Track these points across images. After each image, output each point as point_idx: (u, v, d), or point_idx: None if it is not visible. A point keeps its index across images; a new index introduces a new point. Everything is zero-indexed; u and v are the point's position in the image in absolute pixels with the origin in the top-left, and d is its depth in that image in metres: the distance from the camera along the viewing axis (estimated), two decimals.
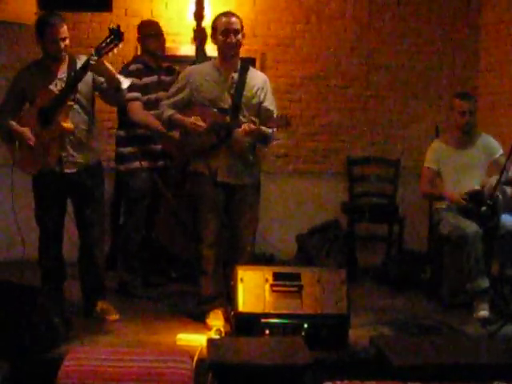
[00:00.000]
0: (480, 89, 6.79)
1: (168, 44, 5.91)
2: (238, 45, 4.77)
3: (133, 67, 5.45)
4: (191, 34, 6.47)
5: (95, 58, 4.45)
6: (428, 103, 6.94)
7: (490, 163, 5.47)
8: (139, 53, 5.79)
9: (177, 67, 5.77)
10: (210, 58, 5.52)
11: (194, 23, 6.06)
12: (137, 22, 5.81)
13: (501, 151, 5.45)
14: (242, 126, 4.66)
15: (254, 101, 4.82)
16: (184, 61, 6.30)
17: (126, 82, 4.75)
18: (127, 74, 5.30)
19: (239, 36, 4.74)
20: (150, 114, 5.37)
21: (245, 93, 4.80)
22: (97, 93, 4.81)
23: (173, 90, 4.94)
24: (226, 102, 4.78)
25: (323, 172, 6.92)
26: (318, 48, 6.86)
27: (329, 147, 6.93)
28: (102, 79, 4.71)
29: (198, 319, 4.90)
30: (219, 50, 4.81)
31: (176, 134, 5.31)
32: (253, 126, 4.66)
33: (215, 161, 4.78)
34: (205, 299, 4.93)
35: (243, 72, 4.84)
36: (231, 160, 4.80)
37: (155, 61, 5.51)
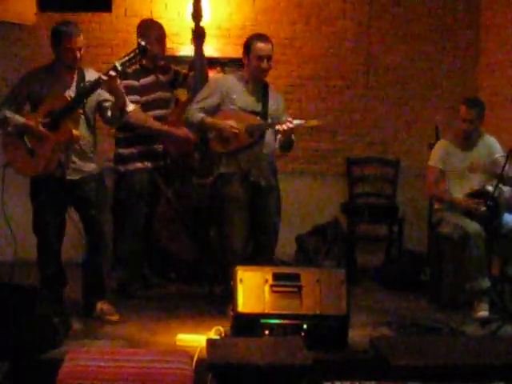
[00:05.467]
0: (480, 89, 6.79)
1: (168, 44, 5.90)
2: (269, 69, 5.03)
3: (130, 69, 5.43)
4: (191, 35, 6.47)
5: (119, 69, 4.54)
6: (428, 104, 6.95)
7: (489, 164, 5.48)
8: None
9: (176, 67, 5.78)
10: (206, 59, 5.65)
11: (192, 23, 6.04)
12: (136, 22, 5.80)
13: (500, 152, 5.45)
14: (282, 125, 4.89)
15: (277, 113, 5.10)
16: (183, 61, 6.30)
17: (131, 106, 4.88)
18: (124, 76, 5.29)
19: (271, 61, 5.00)
20: (149, 115, 5.39)
21: (269, 104, 5.07)
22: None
23: (201, 95, 5.09)
24: (257, 109, 5.03)
25: (323, 172, 6.93)
26: (318, 48, 6.87)
27: (328, 148, 6.94)
28: (105, 96, 4.75)
29: (221, 311, 4.95)
30: (250, 70, 5.02)
31: (180, 131, 5.34)
32: (290, 125, 4.89)
33: (247, 162, 4.99)
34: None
35: (265, 87, 5.12)
36: (262, 161, 5.03)
37: (152, 61, 5.50)
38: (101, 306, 4.90)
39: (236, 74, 5.18)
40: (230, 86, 5.04)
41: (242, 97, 5.02)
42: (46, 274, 4.88)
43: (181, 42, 6.58)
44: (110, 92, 4.69)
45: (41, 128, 4.60)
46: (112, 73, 4.54)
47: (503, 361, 3.76)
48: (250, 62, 4.98)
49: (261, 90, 5.07)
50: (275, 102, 5.13)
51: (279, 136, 5.05)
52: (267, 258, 5.13)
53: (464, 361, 3.74)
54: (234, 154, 4.99)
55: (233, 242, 5.02)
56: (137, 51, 4.63)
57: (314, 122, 5.18)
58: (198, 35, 5.62)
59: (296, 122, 4.94)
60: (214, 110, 5.02)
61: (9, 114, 4.67)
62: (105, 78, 4.54)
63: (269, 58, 4.97)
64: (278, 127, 4.93)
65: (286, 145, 5.12)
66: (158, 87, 5.46)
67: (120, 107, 4.74)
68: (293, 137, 5.08)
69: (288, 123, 4.89)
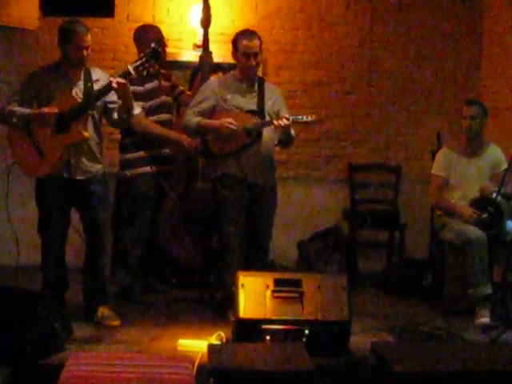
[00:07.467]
0: (481, 96, 6.79)
1: (170, 50, 5.90)
2: (257, 66, 5.03)
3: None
4: (193, 40, 6.48)
5: (132, 73, 4.62)
6: (430, 110, 6.96)
7: (492, 176, 5.47)
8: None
9: (177, 72, 5.78)
10: (215, 65, 5.68)
11: (194, 28, 6.03)
12: None
13: (505, 165, 5.43)
14: (277, 121, 4.88)
15: (274, 108, 5.07)
16: (186, 66, 6.31)
17: (137, 109, 4.92)
18: (129, 82, 5.29)
19: (258, 58, 4.98)
20: (152, 121, 5.39)
21: (265, 101, 5.04)
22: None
23: (197, 99, 5.10)
24: (253, 108, 5.01)
25: (324, 178, 6.93)
26: (320, 54, 6.88)
27: (330, 153, 6.94)
28: (112, 98, 4.79)
29: (222, 315, 4.97)
30: (239, 67, 5.03)
31: (185, 137, 5.35)
32: (286, 121, 4.88)
33: (246, 162, 4.98)
34: (230, 293, 4.94)
35: (261, 83, 5.11)
36: (260, 161, 5.01)
37: (157, 65, 5.50)
38: (102, 311, 4.89)
39: (229, 74, 5.16)
40: (223, 87, 5.04)
41: (236, 96, 5.01)
42: (49, 276, 4.87)
43: (183, 48, 6.58)
44: (119, 96, 4.73)
45: (46, 110, 4.60)
46: (121, 80, 4.58)
47: (504, 367, 3.76)
48: (238, 60, 4.99)
49: (256, 87, 5.06)
50: (271, 97, 5.09)
51: (277, 133, 5.03)
52: (261, 260, 5.12)
53: (465, 367, 3.73)
54: (232, 155, 4.98)
55: (232, 241, 5.01)
56: (149, 55, 4.66)
57: (312, 117, 5.04)
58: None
59: (293, 117, 4.94)
60: (209, 113, 5.02)
61: (14, 107, 4.67)
62: (115, 85, 4.59)
63: (255, 54, 4.94)
64: (274, 123, 4.91)
65: (285, 140, 5.12)
66: (161, 92, 5.48)
67: (127, 110, 4.78)
68: (292, 132, 5.06)
69: (284, 119, 4.88)
